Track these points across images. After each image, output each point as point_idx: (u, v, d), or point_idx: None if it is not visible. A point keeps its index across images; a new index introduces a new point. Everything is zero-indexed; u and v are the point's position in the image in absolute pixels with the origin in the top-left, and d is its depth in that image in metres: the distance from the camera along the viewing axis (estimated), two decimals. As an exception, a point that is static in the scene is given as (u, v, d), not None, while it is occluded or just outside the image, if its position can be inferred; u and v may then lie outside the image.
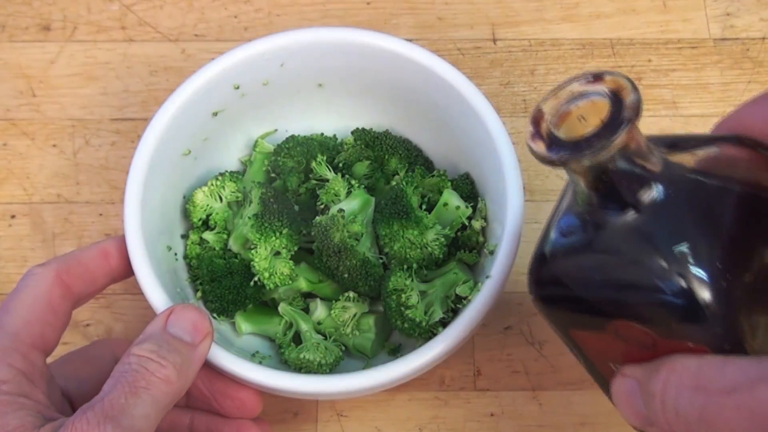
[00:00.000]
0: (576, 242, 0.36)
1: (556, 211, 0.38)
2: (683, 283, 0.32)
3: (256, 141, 0.57)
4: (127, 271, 0.47)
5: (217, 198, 0.54)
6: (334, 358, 0.51)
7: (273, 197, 0.52)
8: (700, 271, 0.32)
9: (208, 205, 0.54)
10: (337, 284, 0.52)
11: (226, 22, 0.66)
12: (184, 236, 0.55)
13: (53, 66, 0.65)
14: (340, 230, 0.50)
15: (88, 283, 0.46)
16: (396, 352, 0.53)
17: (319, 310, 0.52)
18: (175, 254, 0.54)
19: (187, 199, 0.55)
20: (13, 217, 0.60)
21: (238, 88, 0.54)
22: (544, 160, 0.33)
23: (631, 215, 0.34)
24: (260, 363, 0.49)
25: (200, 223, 0.54)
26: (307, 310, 0.53)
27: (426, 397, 0.54)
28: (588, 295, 0.36)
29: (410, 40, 0.53)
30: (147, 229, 0.49)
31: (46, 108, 0.63)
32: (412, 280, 0.50)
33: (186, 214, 0.55)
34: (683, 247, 0.32)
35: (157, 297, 0.47)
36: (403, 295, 0.49)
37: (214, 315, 0.53)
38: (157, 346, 0.41)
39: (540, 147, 0.33)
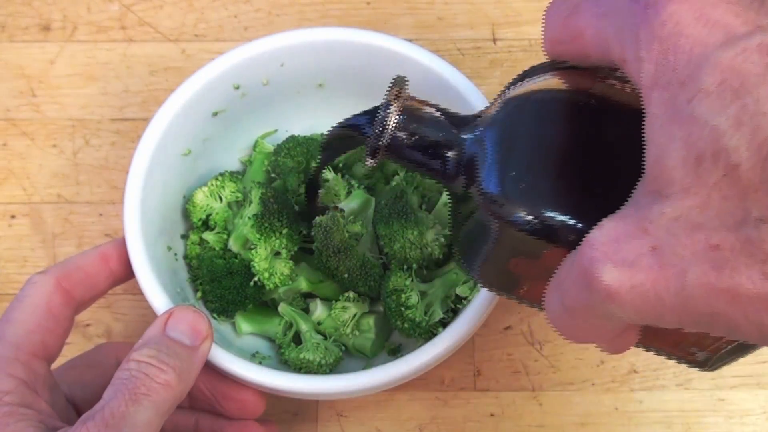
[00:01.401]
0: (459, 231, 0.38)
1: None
2: (527, 217, 0.33)
3: (256, 141, 0.57)
4: (127, 273, 0.48)
5: (217, 198, 0.54)
6: (334, 358, 0.51)
7: (273, 197, 0.52)
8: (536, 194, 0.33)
9: (208, 205, 0.54)
10: (337, 284, 0.52)
11: (226, 22, 0.66)
12: (184, 236, 0.55)
13: (53, 66, 0.65)
14: (340, 230, 0.50)
15: (88, 288, 0.46)
16: (396, 352, 0.53)
17: (319, 310, 0.52)
18: (175, 254, 0.54)
19: (187, 199, 0.55)
20: (13, 217, 0.60)
21: (238, 88, 0.54)
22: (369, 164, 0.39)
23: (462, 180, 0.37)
24: (260, 363, 0.50)
25: (200, 223, 0.54)
26: (307, 310, 0.53)
27: (426, 397, 0.55)
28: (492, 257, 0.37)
29: (410, 40, 0.53)
30: (147, 230, 0.49)
31: (46, 108, 0.63)
32: (412, 280, 0.50)
33: (186, 214, 0.55)
34: (514, 178, 0.34)
35: (157, 298, 0.47)
36: (403, 295, 0.49)
37: (214, 315, 0.53)
38: (157, 350, 0.41)
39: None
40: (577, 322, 0.31)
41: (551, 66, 0.35)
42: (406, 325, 0.50)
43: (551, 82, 0.35)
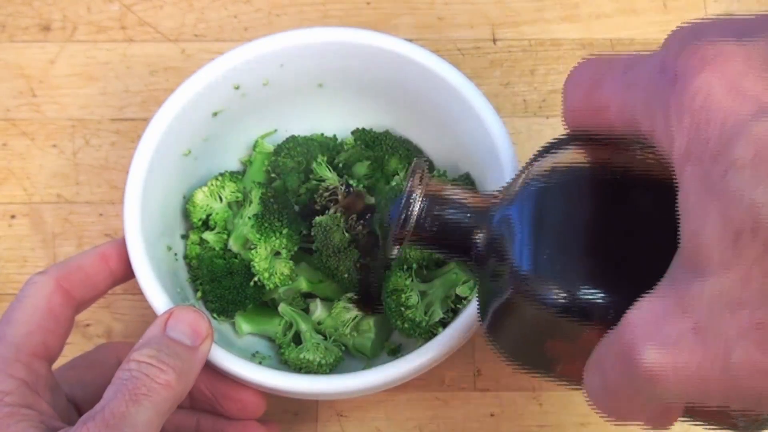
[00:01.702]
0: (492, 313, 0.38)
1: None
2: (562, 296, 0.32)
3: (256, 141, 0.57)
4: (127, 273, 0.48)
5: (217, 198, 0.54)
6: (334, 358, 0.51)
7: (273, 197, 0.52)
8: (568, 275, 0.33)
9: (208, 206, 0.54)
10: (337, 284, 0.52)
11: (226, 22, 0.66)
12: (184, 236, 0.55)
13: (53, 66, 0.65)
14: (340, 230, 0.50)
15: (88, 288, 0.46)
16: (396, 352, 0.53)
17: (319, 310, 0.52)
18: (175, 254, 0.54)
19: (187, 200, 0.55)
20: (13, 217, 0.60)
21: (238, 88, 0.54)
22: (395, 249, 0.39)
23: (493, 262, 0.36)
24: (260, 363, 0.50)
25: (200, 223, 0.54)
26: (307, 310, 0.53)
27: (426, 397, 0.55)
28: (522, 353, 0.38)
29: (410, 40, 0.53)
30: (147, 230, 0.49)
31: (46, 108, 0.63)
32: (412, 280, 0.50)
33: (186, 214, 0.55)
34: (542, 261, 0.33)
35: (157, 298, 0.47)
36: (403, 295, 0.49)
37: (214, 315, 0.53)
38: (157, 350, 0.41)
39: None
40: (620, 402, 0.30)
41: (573, 139, 0.35)
42: (406, 325, 0.50)
43: (574, 155, 0.35)
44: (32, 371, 0.41)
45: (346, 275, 0.51)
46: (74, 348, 0.55)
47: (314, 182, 0.54)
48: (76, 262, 0.46)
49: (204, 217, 0.54)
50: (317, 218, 0.51)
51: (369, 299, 0.53)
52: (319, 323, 0.52)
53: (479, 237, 0.37)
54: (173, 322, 0.43)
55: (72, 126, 0.63)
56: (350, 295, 0.52)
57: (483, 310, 0.38)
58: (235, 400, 0.48)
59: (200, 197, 0.54)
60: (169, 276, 0.51)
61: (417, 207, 0.37)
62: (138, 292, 0.47)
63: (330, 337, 0.52)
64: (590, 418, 0.54)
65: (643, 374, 0.27)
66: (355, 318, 0.52)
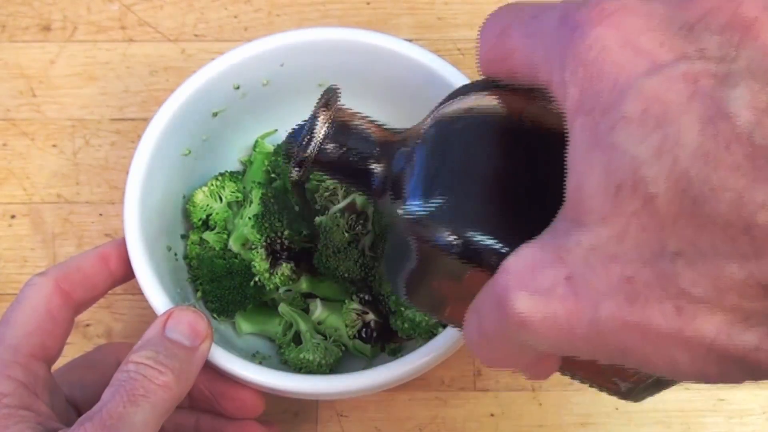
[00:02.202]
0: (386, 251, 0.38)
1: None
2: (450, 238, 0.32)
3: (256, 141, 0.57)
4: (127, 274, 0.48)
5: (217, 198, 0.54)
6: (334, 358, 0.51)
7: (273, 197, 0.52)
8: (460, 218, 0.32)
9: (208, 205, 0.54)
10: (337, 284, 0.52)
11: (226, 22, 0.66)
12: (184, 236, 0.55)
13: (53, 66, 0.65)
14: (340, 230, 0.50)
15: (88, 289, 0.46)
16: (396, 352, 0.53)
17: (319, 310, 0.52)
18: (175, 254, 0.54)
19: (187, 199, 0.55)
20: (13, 217, 0.60)
21: (238, 88, 0.54)
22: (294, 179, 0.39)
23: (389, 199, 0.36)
24: (260, 363, 0.49)
25: (200, 223, 0.54)
26: (307, 310, 0.53)
27: (426, 397, 0.55)
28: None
29: (410, 40, 0.53)
30: (147, 230, 0.49)
31: (46, 108, 0.63)
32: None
33: (186, 214, 0.55)
34: (437, 203, 0.33)
35: (157, 298, 0.47)
36: (400, 316, 0.50)
37: (214, 315, 0.53)
38: (155, 352, 0.41)
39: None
40: (494, 348, 0.30)
41: (486, 84, 0.35)
42: (406, 325, 0.50)
43: (485, 100, 0.34)
44: (30, 373, 0.41)
45: (346, 275, 0.51)
46: (74, 348, 0.55)
47: (314, 182, 0.54)
48: (75, 263, 0.46)
49: (204, 217, 0.54)
50: (317, 218, 0.51)
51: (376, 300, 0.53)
52: (319, 323, 0.52)
53: (379, 170, 0.37)
54: (172, 322, 0.43)
55: (72, 126, 0.63)
56: (362, 295, 0.52)
57: (380, 245, 0.38)
58: (233, 399, 0.48)
59: (200, 197, 0.54)
60: (169, 276, 0.51)
61: (322, 131, 0.37)
62: (138, 292, 0.47)
63: (330, 337, 0.52)
64: (590, 418, 0.54)
65: (513, 320, 0.27)
66: (365, 321, 0.52)
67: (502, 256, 0.29)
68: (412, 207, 0.33)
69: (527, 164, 0.33)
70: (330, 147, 0.37)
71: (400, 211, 0.34)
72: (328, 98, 0.38)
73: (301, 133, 0.38)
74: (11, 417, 0.39)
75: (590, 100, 0.26)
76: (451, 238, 0.32)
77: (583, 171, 0.26)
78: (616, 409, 0.54)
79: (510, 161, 0.33)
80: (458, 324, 0.36)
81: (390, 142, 0.37)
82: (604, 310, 0.25)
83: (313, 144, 0.37)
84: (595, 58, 0.26)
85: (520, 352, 0.30)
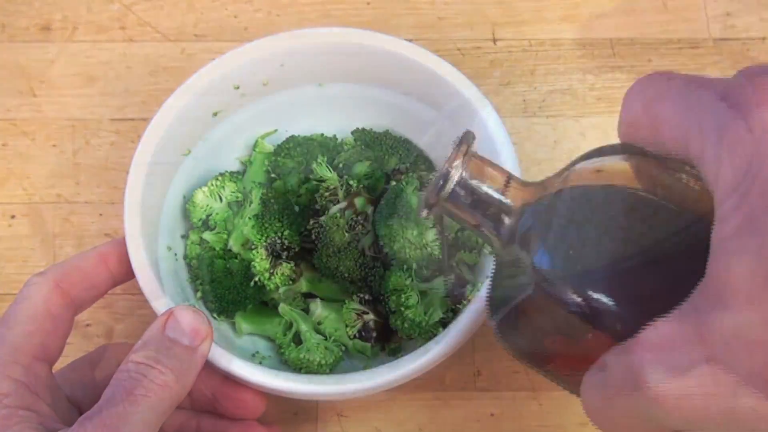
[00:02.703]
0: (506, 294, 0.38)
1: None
2: (579, 297, 0.32)
3: (256, 141, 0.57)
4: (127, 274, 0.48)
5: (217, 198, 0.54)
6: (334, 358, 0.51)
7: (273, 197, 0.52)
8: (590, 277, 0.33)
9: (208, 206, 0.54)
10: (337, 284, 0.52)
11: (226, 22, 0.66)
12: (184, 236, 0.55)
13: (53, 66, 0.65)
14: (340, 230, 0.50)
15: (87, 289, 0.46)
16: (396, 352, 0.53)
17: (319, 310, 0.52)
18: (175, 254, 0.54)
19: (187, 200, 0.55)
20: (13, 217, 0.60)
21: (238, 88, 0.54)
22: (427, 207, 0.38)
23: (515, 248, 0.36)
24: (260, 363, 0.50)
25: (200, 223, 0.54)
26: (307, 310, 0.53)
27: (426, 397, 0.55)
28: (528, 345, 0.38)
29: (410, 40, 0.53)
30: (147, 230, 0.49)
31: (46, 108, 0.63)
32: (412, 280, 0.50)
33: (186, 214, 0.55)
34: (562, 260, 0.33)
35: (157, 298, 0.47)
36: (402, 295, 0.49)
37: (214, 315, 0.53)
38: (155, 351, 0.41)
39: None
40: (615, 414, 0.30)
41: (622, 148, 0.35)
42: (406, 325, 0.50)
43: (620, 165, 0.35)
44: (31, 373, 0.41)
45: (346, 275, 0.51)
46: (74, 348, 0.55)
47: (314, 182, 0.54)
48: (75, 263, 0.46)
49: (204, 217, 0.54)
50: (317, 218, 0.51)
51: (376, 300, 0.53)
52: (319, 323, 0.52)
53: (509, 221, 0.37)
54: (172, 322, 0.43)
55: (72, 126, 0.63)
56: (362, 295, 0.52)
57: (492, 288, 0.38)
58: (234, 399, 0.48)
59: (200, 197, 0.54)
60: (169, 276, 0.51)
61: (455, 177, 0.37)
62: (138, 292, 0.47)
63: (330, 337, 0.52)
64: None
65: (646, 394, 0.27)
66: (365, 321, 0.52)
67: (628, 324, 0.29)
68: (544, 262, 0.34)
69: (660, 236, 0.33)
70: (462, 193, 0.38)
71: (529, 264, 0.34)
72: (465, 145, 0.38)
73: (436, 175, 0.38)
74: (12, 417, 0.39)
75: (746, 182, 0.26)
76: (580, 297, 0.32)
77: (734, 252, 0.25)
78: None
79: (643, 231, 0.33)
80: (557, 377, 0.37)
81: (522, 194, 0.38)
82: (743, 398, 0.25)
83: (446, 188, 0.37)
84: (757, 139, 0.26)
85: (642, 424, 0.30)
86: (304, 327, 0.52)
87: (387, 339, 0.53)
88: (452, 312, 0.51)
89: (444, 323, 0.49)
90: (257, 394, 0.48)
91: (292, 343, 0.52)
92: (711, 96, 0.28)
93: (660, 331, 0.27)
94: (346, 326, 0.52)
